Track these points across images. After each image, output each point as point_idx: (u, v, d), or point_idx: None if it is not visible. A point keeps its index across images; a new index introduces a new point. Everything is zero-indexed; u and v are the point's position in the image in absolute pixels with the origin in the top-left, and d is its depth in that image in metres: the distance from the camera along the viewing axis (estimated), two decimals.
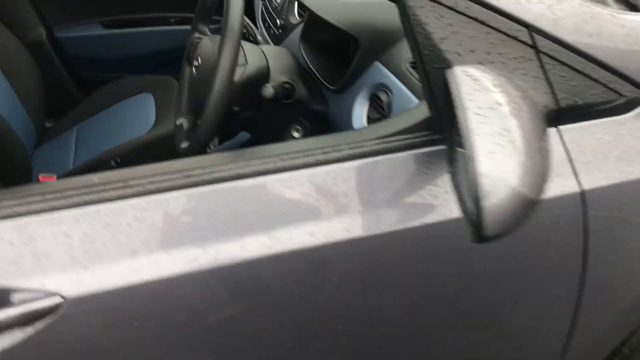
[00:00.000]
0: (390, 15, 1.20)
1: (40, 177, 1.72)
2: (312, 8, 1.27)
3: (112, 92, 2.15)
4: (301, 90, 1.24)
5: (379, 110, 1.14)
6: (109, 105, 2.09)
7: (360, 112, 1.18)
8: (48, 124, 2.21)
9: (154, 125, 1.89)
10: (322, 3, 1.27)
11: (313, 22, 1.39)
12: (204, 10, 1.36)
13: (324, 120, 1.29)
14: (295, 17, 1.52)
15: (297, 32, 1.45)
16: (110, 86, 2.17)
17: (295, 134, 1.30)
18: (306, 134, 1.29)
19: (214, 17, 1.37)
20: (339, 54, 1.38)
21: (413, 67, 1.11)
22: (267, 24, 1.63)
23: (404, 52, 1.14)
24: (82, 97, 2.36)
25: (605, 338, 1.07)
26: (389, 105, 1.11)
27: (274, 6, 1.61)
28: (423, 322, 0.94)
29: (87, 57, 2.33)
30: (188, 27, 2.24)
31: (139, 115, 1.99)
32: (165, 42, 2.33)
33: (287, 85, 1.23)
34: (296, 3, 1.53)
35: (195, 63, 1.23)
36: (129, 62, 2.36)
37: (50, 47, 2.23)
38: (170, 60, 2.38)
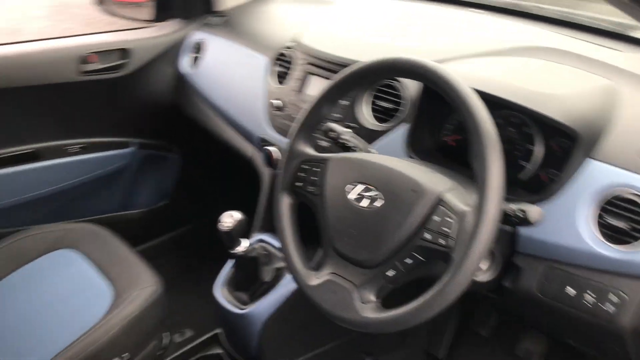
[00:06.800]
0: (596, 104, 1.01)
1: None
2: (523, 103, 0.99)
3: (1, 256, 1.46)
4: None
5: (630, 218, 0.89)
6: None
7: (586, 223, 0.92)
8: None
9: (115, 299, 1.30)
10: (525, 95, 1.01)
11: (419, 124, 1.12)
12: (311, 124, 1.00)
13: (511, 239, 0.99)
14: (372, 122, 1.20)
15: (393, 137, 1.14)
16: None
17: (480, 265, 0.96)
18: (492, 261, 0.98)
19: None
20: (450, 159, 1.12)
21: None
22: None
23: (625, 142, 0.94)
24: None
25: None
26: None
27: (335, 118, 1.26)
28: None
29: None
30: (93, 155, 1.74)
31: (74, 286, 1.36)
32: (64, 179, 1.72)
33: None
34: (364, 107, 1.21)
35: (370, 193, 0.87)
36: (12, 212, 1.67)
37: None
38: (71, 201, 1.77)
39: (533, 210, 0.81)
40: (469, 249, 0.75)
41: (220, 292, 1.29)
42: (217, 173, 2.06)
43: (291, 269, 0.96)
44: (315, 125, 1.00)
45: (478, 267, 0.76)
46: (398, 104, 1.17)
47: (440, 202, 0.81)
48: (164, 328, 1.43)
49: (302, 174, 0.97)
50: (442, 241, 0.79)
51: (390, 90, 1.18)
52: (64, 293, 1.33)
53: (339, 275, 0.89)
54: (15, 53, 1.55)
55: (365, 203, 0.88)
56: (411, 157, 1.11)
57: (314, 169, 0.96)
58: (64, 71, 1.61)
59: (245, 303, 1.26)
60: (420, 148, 1.13)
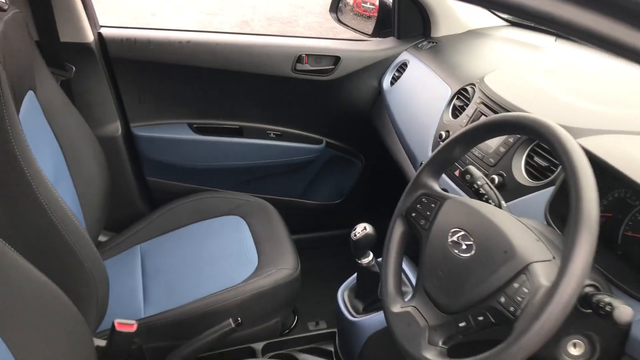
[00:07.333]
0: None
1: (117, 323, 1.24)
2: None
3: (190, 207, 1.73)
4: (605, 292, 0.87)
5: None
6: (183, 224, 1.67)
7: None
8: (102, 238, 1.75)
9: (256, 270, 1.47)
10: None
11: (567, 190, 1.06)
12: (441, 162, 1.02)
13: (622, 337, 0.90)
14: (523, 176, 1.17)
15: (537, 196, 1.10)
16: (187, 200, 1.75)
17: (573, 350, 0.90)
18: (589, 352, 0.90)
19: None
20: None
21: None
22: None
23: None
24: (144, 208, 1.92)
25: None
26: None
27: (485, 161, 1.25)
28: None
29: (163, 162, 1.91)
30: (287, 143, 1.95)
31: (230, 249, 1.56)
32: (258, 157, 1.95)
33: (589, 289, 0.84)
34: (518, 159, 1.18)
35: (467, 242, 0.88)
36: (209, 174, 1.96)
37: (124, 144, 1.82)
38: (258, 178, 2.00)
39: (622, 310, 0.74)
40: (530, 325, 0.73)
41: (342, 295, 1.37)
42: (390, 187, 2.14)
43: (382, 291, 1.01)
44: (445, 163, 1.02)
45: (538, 345, 0.73)
46: (555, 165, 1.12)
47: (525, 270, 0.79)
48: (296, 310, 1.57)
49: (419, 206, 1.00)
50: (512, 308, 0.78)
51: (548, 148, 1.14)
52: (221, 252, 1.54)
53: (418, 311, 0.92)
54: (245, 42, 1.81)
55: (459, 250, 0.88)
56: (548, 223, 1.06)
57: (431, 204, 0.99)
58: (281, 66, 1.83)
59: (359, 312, 1.32)
60: (561, 215, 1.07)
